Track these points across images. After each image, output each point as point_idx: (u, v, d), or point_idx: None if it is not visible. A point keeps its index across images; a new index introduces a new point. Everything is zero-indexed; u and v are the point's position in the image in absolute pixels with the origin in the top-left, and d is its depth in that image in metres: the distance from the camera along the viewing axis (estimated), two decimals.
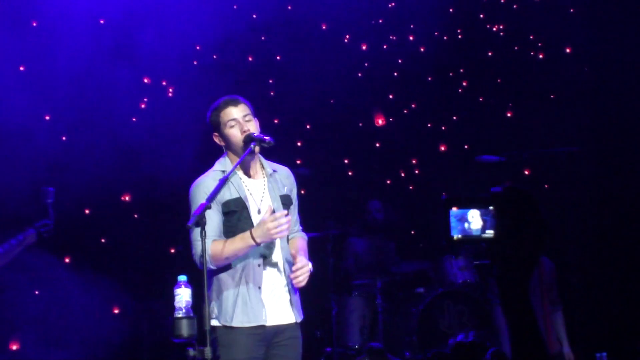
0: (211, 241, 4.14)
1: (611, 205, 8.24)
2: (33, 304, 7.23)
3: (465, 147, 8.69)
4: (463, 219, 2.13)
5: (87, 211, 7.50)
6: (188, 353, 4.23)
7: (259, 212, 4.31)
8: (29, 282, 7.11)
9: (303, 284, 4.30)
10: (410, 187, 8.85)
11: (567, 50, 8.89)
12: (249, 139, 4.23)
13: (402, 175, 8.90)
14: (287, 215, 4.18)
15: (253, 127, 4.39)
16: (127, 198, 7.73)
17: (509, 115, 8.84)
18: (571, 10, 8.82)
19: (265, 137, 4.22)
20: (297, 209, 4.55)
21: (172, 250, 7.63)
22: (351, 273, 7.34)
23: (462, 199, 2.10)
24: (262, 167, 4.41)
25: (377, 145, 8.90)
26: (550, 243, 7.15)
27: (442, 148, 8.90)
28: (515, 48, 9.03)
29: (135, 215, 7.73)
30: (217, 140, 4.51)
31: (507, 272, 1.97)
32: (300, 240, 4.57)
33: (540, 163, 8.10)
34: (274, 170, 4.45)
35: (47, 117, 7.47)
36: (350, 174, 8.75)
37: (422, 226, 8.49)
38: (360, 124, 8.86)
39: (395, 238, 7.98)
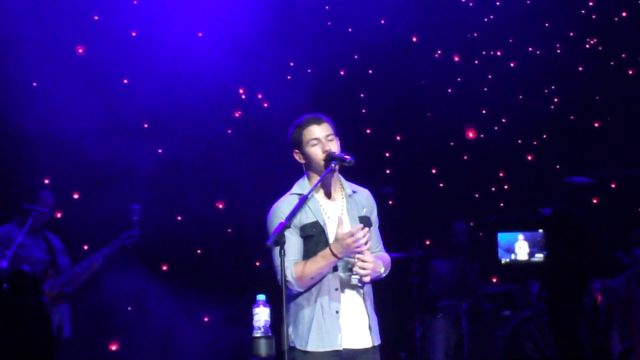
0: (294, 263, 4.12)
1: None
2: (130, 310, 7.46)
3: (557, 167, 8.42)
4: (511, 242, 2.12)
5: (179, 217, 7.66)
6: None
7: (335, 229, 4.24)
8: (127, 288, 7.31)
9: (367, 272, 4.12)
10: (501, 204, 8.65)
11: None
12: (330, 158, 4.13)
13: (493, 190, 8.72)
14: (363, 228, 4.09)
15: (335, 146, 4.40)
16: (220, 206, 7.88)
17: (599, 133, 8.58)
18: None
19: (346, 157, 4.09)
20: (377, 231, 4.43)
21: (258, 264, 7.69)
22: (436, 295, 7.23)
23: (509, 222, 2.14)
24: (342, 187, 4.32)
25: (465, 157, 8.76)
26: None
27: (531, 162, 8.73)
28: (612, 63, 8.81)
29: (229, 230, 7.79)
30: (297, 157, 4.49)
31: (557, 297, 1.99)
32: (380, 256, 4.55)
33: (631, 184, 7.89)
34: (354, 192, 4.33)
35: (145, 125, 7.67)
36: (440, 185, 8.59)
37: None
38: (451, 142, 8.74)
39: (481, 259, 7.70)
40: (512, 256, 1.89)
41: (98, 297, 7.07)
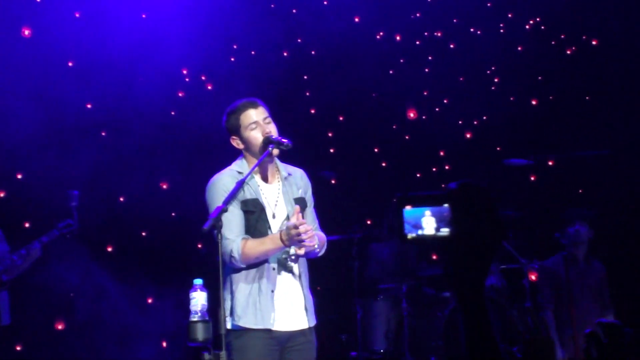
0: (241, 239, 4.17)
1: None
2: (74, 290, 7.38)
3: (497, 148, 8.43)
4: (417, 217, 2.03)
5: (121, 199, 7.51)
6: (204, 357, 4.31)
7: (273, 216, 4.32)
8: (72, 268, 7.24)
9: (308, 242, 4.12)
10: (442, 185, 8.76)
11: (593, 42, 8.55)
12: (268, 141, 4.19)
13: (434, 170, 8.70)
14: (301, 211, 4.19)
15: (273, 129, 4.36)
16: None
17: (539, 113, 8.57)
18: (601, 6, 8.48)
19: (284, 140, 4.18)
20: (313, 210, 4.46)
21: (200, 246, 7.58)
22: (376, 277, 7.26)
23: (416, 198, 2.03)
24: (278, 170, 4.36)
25: (407, 137, 8.72)
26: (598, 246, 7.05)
27: (471, 143, 8.69)
28: (552, 43, 8.77)
29: (173, 214, 7.71)
30: (234, 143, 4.48)
31: (462, 271, 1.91)
32: (315, 234, 4.61)
33: (569, 166, 7.95)
34: (289, 174, 4.39)
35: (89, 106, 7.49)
36: (383, 164, 8.53)
37: None
38: (393, 123, 8.66)
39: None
40: (419, 231, 1.89)
41: (43, 280, 6.97)
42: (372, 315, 7.00)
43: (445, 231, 1.99)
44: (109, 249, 7.65)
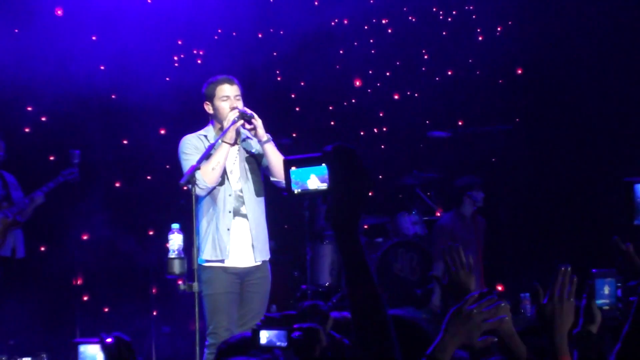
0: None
1: (541, 179, 8.18)
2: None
3: (427, 121, 8.44)
4: (303, 175, 2.04)
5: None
6: (179, 287, 4.78)
7: (231, 172, 4.66)
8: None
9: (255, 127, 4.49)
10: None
11: (499, 29, 8.48)
12: (235, 115, 4.53)
13: (375, 130, 8.70)
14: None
15: (240, 105, 4.59)
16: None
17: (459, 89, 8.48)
18: None
19: (248, 111, 4.54)
20: (273, 144, 4.67)
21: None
22: (322, 226, 7.38)
23: (300, 160, 2.05)
24: (239, 135, 4.66)
25: (353, 101, 8.65)
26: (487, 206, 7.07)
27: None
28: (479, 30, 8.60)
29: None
30: (207, 108, 4.67)
31: (338, 220, 1.95)
32: None
33: (481, 140, 8.05)
34: (247, 137, 4.69)
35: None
36: (332, 123, 8.48)
37: (381, 185, 8.24)
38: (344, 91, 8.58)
39: None
40: (306, 187, 2.01)
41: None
42: (319, 256, 7.24)
43: (324, 185, 1.98)
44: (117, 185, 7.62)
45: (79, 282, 7.09)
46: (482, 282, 6.73)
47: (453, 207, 6.99)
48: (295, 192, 2.03)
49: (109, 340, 2.57)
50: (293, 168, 2.02)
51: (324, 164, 1.99)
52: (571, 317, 2.31)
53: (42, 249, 7.26)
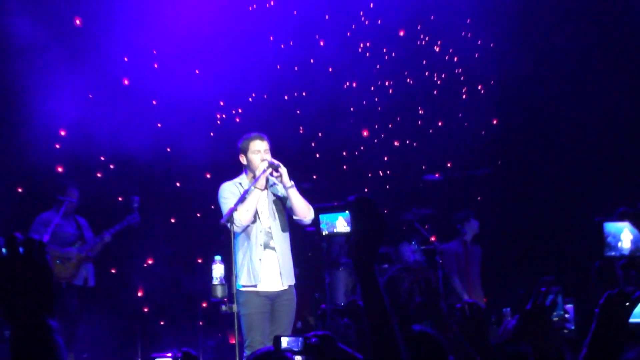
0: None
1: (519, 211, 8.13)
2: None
3: (423, 167, 8.32)
4: (332, 220, 2.06)
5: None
6: (221, 308, 4.89)
7: (261, 212, 4.70)
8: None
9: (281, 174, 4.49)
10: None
11: (479, 88, 8.38)
12: (264, 165, 4.59)
13: (370, 175, 8.46)
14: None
15: (269, 157, 4.62)
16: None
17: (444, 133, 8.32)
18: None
19: (275, 162, 4.57)
20: (295, 189, 4.66)
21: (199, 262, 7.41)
22: (338, 255, 7.36)
23: (328, 207, 2.07)
24: (267, 182, 4.69)
25: (362, 148, 8.54)
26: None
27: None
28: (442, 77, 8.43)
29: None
30: (241, 159, 4.70)
31: (358, 256, 1.96)
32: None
33: (465, 179, 8.03)
34: (274, 184, 4.74)
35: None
36: (344, 167, 8.32)
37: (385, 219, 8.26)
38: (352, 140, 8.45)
39: None
40: (333, 229, 2.01)
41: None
42: (336, 280, 7.19)
43: (347, 228, 2.01)
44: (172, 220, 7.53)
45: (141, 305, 7.16)
46: (483, 293, 6.86)
47: (456, 235, 6.98)
48: (324, 233, 2.07)
49: (179, 355, 2.64)
50: (322, 214, 2.04)
51: (347, 211, 2.00)
52: (551, 322, 2.23)
53: (113, 270, 7.27)
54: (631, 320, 2.13)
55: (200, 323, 7.08)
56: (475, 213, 7.18)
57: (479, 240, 7.13)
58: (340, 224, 2.04)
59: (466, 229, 6.99)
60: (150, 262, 7.28)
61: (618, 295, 2.09)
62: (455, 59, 8.60)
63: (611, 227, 2.13)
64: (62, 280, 6.28)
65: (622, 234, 2.16)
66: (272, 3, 7.96)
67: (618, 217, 2.08)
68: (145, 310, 7.18)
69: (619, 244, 2.16)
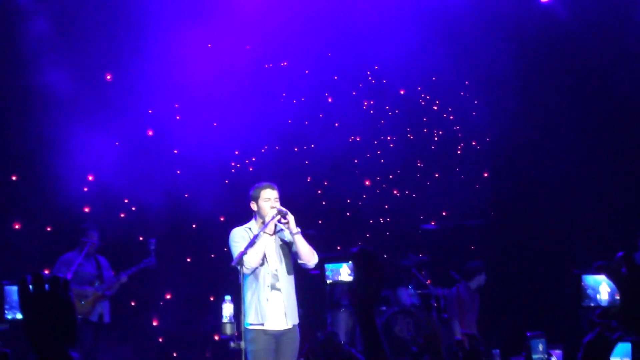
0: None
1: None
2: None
3: (421, 217, 8.30)
4: (337, 269, 2.10)
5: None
6: (230, 345, 4.88)
7: (269, 256, 4.68)
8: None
9: (289, 221, 4.48)
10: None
11: (474, 144, 8.36)
12: (273, 212, 4.60)
13: (371, 222, 8.45)
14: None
15: (278, 205, 4.61)
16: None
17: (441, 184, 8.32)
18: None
19: (284, 210, 4.59)
20: (301, 235, 4.64)
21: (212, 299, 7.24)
22: (339, 297, 7.31)
23: (335, 257, 2.11)
24: (275, 227, 4.71)
25: (364, 196, 8.47)
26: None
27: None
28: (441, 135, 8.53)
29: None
30: (252, 206, 4.69)
31: (359, 303, 1.99)
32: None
33: (460, 229, 7.99)
34: (281, 230, 4.77)
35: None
36: (348, 214, 8.28)
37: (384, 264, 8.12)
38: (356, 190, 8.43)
39: None
40: (337, 277, 2.04)
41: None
42: (337, 320, 7.15)
43: (350, 277, 2.05)
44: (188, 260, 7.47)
45: (156, 336, 7.07)
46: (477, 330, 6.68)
47: (463, 281, 6.89)
48: (328, 281, 2.11)
49: None
50: (327, 263, 2.09)
51: (350, 262, 2.04)
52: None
53: (133, 303, 7.20)
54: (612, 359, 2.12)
55: (211, 358, 7.06)
56: (467, 262, 7.13)
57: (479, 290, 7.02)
58: (344, 272, 2.07)
59: (476, 278, 6.86)
60: (168, 297, 7.24)
61: (598, 337, 2.06)
62: (452, 117, 8.69)
63: (590, 279, 2.14)
64: (78, 316, 6.21)
65: (601, 286, 2.16)
66: (285, 63, 8.12)
67: (595, 270, 2.10)
68: (160, 340, 7.13)
69: (597, 296, 2.16)
